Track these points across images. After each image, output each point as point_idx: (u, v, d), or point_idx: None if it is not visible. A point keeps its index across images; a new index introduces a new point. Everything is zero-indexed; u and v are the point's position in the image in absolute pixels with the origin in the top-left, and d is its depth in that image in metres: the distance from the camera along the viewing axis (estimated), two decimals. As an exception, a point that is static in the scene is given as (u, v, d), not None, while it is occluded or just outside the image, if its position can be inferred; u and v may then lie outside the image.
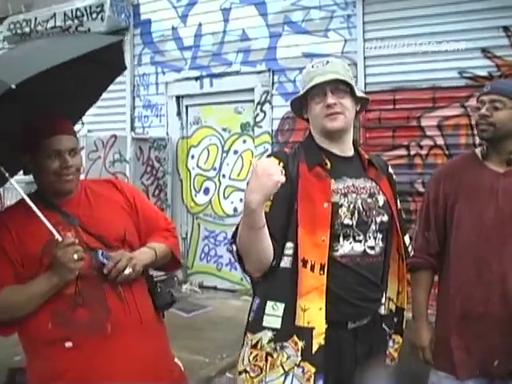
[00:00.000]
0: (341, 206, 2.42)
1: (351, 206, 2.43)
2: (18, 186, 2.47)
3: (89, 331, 2.43)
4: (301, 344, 2.32)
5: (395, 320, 2.68)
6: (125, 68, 2.95)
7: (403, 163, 7.02)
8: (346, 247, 2.41)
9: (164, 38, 8.99)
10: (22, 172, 2.70)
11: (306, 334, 2.32)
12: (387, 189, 2.60)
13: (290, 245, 2.38)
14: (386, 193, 2.57)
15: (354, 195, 2.46)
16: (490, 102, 2.81)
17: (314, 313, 2.32)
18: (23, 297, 2.40)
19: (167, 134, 8.99)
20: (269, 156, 2.53)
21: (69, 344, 2.41)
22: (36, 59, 2.33)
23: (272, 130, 8.00)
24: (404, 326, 2.71)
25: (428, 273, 3.05)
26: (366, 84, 7.27)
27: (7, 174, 2.47)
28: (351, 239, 2.42)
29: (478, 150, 3.00)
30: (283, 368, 2.33)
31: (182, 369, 2.83)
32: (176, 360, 2.82)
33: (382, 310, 2.60)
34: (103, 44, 2.54)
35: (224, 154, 8.66)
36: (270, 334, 2.37)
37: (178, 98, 8.95)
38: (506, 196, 2.81)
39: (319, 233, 2.34)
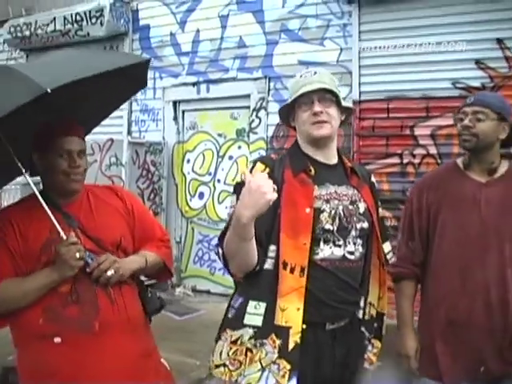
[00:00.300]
0: (322, 211, 2.49)
1: (333, 211, 2.51)
2: (32, 183, 2.57)
3: (77, 328, 2.51)
4: (278, 342, 2.40)
5: (375, 325, 2.75)
6: (145, 85, 3.02)
7: (396, 171, 7.11)
8: (326, 251, 2.48)
9: (162, 43, 9.06)
10: (20, 175, 2.78)
11: (284, 332, 2.39)
12: (368, 197, 2.68)
13: (272, 247, 2.46)
14: (367, 200, 2.64)
15: (336, 201, 2.54)
16: (472, 114, 2.85)
17: (291, 313, 2.40)
18: (21, 290, 2.49)
19: (163, 138, 9.05)
20: (256, 161, 2.60)
21: (57, 339, 2.49)
22: (71, 67, 2.44)
23: (267, 136, 8.06)
24: (384, 331, 2.78)
25: (412, 282, 3.07)
26: (360, 92, 7.34)
27: (23, 170, 2.56)
28: (331, 244, 2.49)
29: (459, 160, 3.04)
30: (261, 364, 2.41)
31: (168, 368, 2.90)
32: (162, 360, 2.89)
33: (361, 314, 2.66)
34: (134, 61, 2.74)
35: (219, 159, 8.73)
36: (251, 332, 2.44)
37: (174, 102, 9.02)
38: (488, 206, 2.86)
39: (301, 237, 2.42)
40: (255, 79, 8.16)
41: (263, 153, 7.93)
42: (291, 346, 2.38)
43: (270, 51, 8.09)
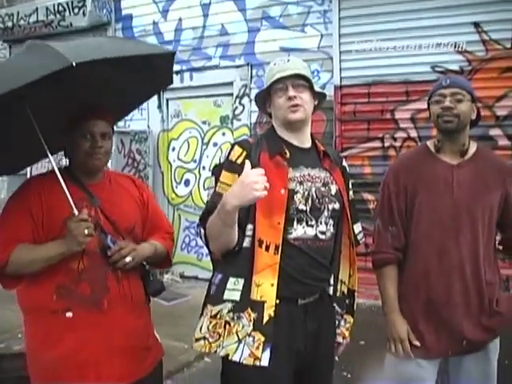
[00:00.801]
0: (296, 192, 2.60)
1: (306, 193, 2.62)
2: (53, 159, 2.67)
3: (88, 305, 2.68)
4: (253, 315, 2.51)
5: (347, 301, 2.89)
6: (171, 80, 3.11)
7: (378, 155, 7.23)
8: (299, 231, 2.59)
9: (145, 32, 9.09)
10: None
11: (259, 306, 2.51)
12: (340, 179, 2.79)
13: (250, 226, 2.56)
14: (338, 183, 2.76)
15: (309, 183, 2.65)
16: (451, 95, 2.90)
17: (266, 288, 2.52)
18: (30, 257, 2.62)
19: (148, 127, 9.11)
20: (234, 145, 2.72)
21: (69, 314, 2.66)
22: (101, 48, 2.54)
23: (250, 123, 8.15)
24: (355, 306, 2.92)
25: (395, 267, 3.09)
26: (341, 78, 7.43)
27: (46, 148, 2.63)
28: (304, 224, 2.60)
29: (429, 143, 3.09)
30: (238, 336, 2.52)
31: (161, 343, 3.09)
32: (157, 335, 3.07)
33: (331, 291, 2.79)
34: (161, 52, 2.90)
35: (204, 147, 8.81)
36: (229, 306, 2.55)
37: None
38: (460, 187, 2.93)
39: (275, 216, 2.54)
40: (238, 66, 8.23)
41: (247, 139, 7.98)
42: (265, 319, 2.49)
43: (251, 38, 8.16)
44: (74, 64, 2.16)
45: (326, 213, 2.66)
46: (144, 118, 9.12)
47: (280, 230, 2.53)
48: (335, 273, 2.81)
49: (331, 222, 2.68)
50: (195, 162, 8.90)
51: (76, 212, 2.59)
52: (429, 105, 3.08)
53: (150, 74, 2.87)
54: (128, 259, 2.74)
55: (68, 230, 2.57)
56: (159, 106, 9.04)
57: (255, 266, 2.53)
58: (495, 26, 6.59)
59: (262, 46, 8.05)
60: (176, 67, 8.69)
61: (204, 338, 2.59)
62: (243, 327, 2.52)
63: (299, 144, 2.74)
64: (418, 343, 2.96)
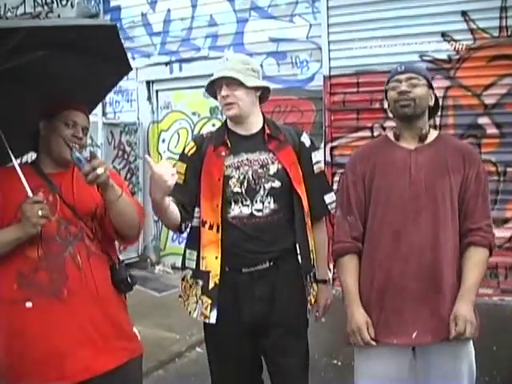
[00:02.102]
0: (231, 177, 3.03)
1: (241, 176, 3.03)
2: (9, 149, 2.65)
3: (47, 293, 2.60)
4: (201, 283, 3.05)
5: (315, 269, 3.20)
6: (129, 67, 3.17)
7: (367, 144, 7.20)
8: (236, 210, 3.03)
9: (134, 24, 9.07)
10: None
11: (205, 275, 3.03)
12: (288, 158, 3.10)
13: (197, 209, 3.09)
14: (283, 161, 3.07)
15: (246, 167, 3.05)
16: (407, 80, 2.88)
17: (211, 260, 3.03)
18: None
19: (138, 118, 9.12)
20: (192, 139, 3.28)
21: (29, 304, 2.58)
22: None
23: (240, 113, 8.08)
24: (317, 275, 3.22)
25: (355, 257, 3.05)
26: (330, 68, 7.44)
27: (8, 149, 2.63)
28: (240, 204, 3.03)
29: (389, 133, 3.07)
30: (196, 297, 3.08)
31: (139, 338, 2.97)
32: (135, 330, 2.96)
33: (300, 259, 3.08)
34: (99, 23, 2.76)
35: (194, 138, 8.76)
36: (190, 272, 3.13)
37: (148, 83, 9.08)
38: (417, 170, 2.88)
39: (215, 200, 3.01)
40: (227, 57, 8.18)
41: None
42: (211, 286, 3.01)
43: (240, 29, 8.16)
44: None
45: (261, 192, 3.03)
46: (134, 110, 9.14)
47: (218, 211, 3.00)
48: (303, 242, 3.11)
49: (269, 199, 3.04)
50: (185, 153, 8.82)
51: (30, 194, 2.56)
52: (386, 93, 3.04)
53: (104, 66, 2.84)
54: (99, 170, 2.54)
55: (22, 212, 2.54)
56: (149, 98, 9.04)
57: (201, 242, 3.05)
58: (482, 15, 6.61)
59: (251, 37, 8.05)
60: (165, 58, 8.76)
61: (180, 296, 3.19)
62: (197, 292, 3.07)
63: (243, 132, 3.12)
64: (372, 333, 2.90)
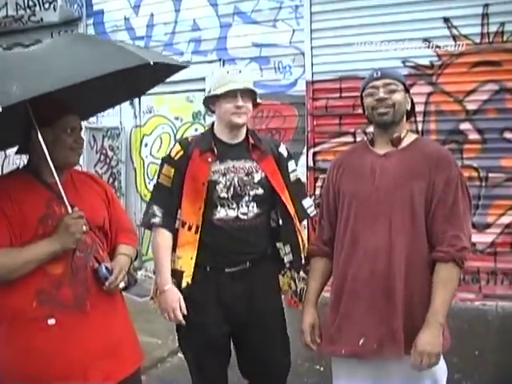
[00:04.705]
0: (218, 183, 3.21)
1: (228, 182, 3.22)
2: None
3: (71, 309, 2.60)
4: (173, 280, 3.20)
5: (307, 268, 3.34)
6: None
7: (350, 150, 7.20)
8: (222, 213, 3.21)
9: (117, 28, 9.02)
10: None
11: (178, 275, 3.21)
12: (269, 167, 3.32)
13: (179, 211, 3.23)
14: (266, 170, 3.30)
15: (232, 174, 3.24)
16: (384, 86, 2.86)
17: (185, 260, 3.20)
18: (21, 259, 2.51)
19: (120, 123, 9.05)
20: (176, 142, 3.41)
21: (52, 321, 2.57)
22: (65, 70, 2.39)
23: (223, 119, 8.08)
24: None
25: (322, 260, 3.11)
26: (313, 73, 7.44)
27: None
28: (226, 207, 3.21)
29: (367, 138, 3.10)
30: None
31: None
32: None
33: (289, 258, 3.36)
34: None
35: (177, 143, 8.74)
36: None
37: (130, 87, 8.98)
38: (382, 175, 2.85)
39: (197, 203, 3.17)
40: (210, 62, 8.18)
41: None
42: (184, 285, 3.19)
43: (223, 34, 8.13)
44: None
45: (246, 198, 3.24)
46: (116, 114, 9.02)
47: (200, 214, 3.17)
48: (294, 243, 3.35)
49: (253, 204, 3.25)
50: (168, 157, 8.80)
51: (70, 209, 2.57)
52: (362, 99, 3.04)
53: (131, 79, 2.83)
54: (121, 286, 2.80)
55: (65, 226, 2.53)
56: (131, 102, 8.96)
57: (178, 242, 3.23)
58: (465, 21, 6.63)
59: (234, 42, 8.03)
60: (148, 63, 8.68)
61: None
62: None
63: (229, 140, 3.32)
64: (317, 339, 3.00)
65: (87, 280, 2.67)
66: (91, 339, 2.64)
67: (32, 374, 2.54)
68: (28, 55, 2.54)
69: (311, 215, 3.50)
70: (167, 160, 3.31)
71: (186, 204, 3.18)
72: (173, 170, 3.26)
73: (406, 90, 2.95)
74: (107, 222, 2.94)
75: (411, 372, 2.73)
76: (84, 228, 2.56)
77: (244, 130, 3.36)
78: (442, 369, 2.87)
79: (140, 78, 2.85)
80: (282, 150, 3.46)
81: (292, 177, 3.43)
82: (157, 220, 3.25)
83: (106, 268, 2.72)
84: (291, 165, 3.47)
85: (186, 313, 3.14)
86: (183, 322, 3.14)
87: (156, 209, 3.26)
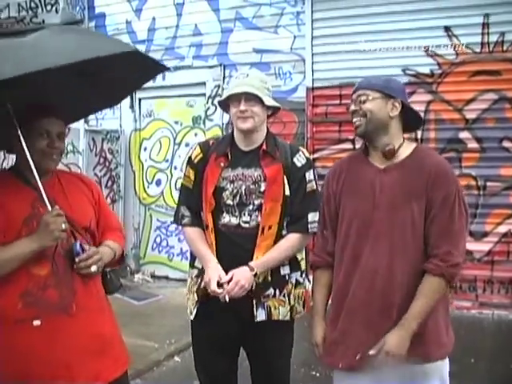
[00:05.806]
0: (225, 190, 3.23)
1: (235, 190, 3.22)
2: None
3: (57, 310, 2.57)
4: (199, 281, 3.24)
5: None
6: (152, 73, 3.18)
7: (349, 156, 7.22)
8: (226, 219, 3.23)
9: (118, 31, 9.04)
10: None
11: (202, 274, 3.20)
12: (271, 174, 3.20)
13: (202, 213, 3.28)
14: (267, 176, 3.20)
15: (240, 182, 3.23)
16: (356, 98, 2.82)
17: None
18: (0, 258, 2.49)
19: (120, 126, 9.09)
20: (198, 144, 3.42)
21: (37, 322, 2.53)
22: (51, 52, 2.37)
23: (222, 123, 8.17)
24: (301, 280, 3.39)
25: (327, 272, 3.05)
26: (313, 79, 7.49)
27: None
28: (230, 214, 3.23)
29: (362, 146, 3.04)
30: (192, 294, 3.30)
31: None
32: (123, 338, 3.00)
33: (286, 269, 3.30)
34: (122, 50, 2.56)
35: (176, 147, 8.82)
36: (196, 271, 3.32)
37: (131, 90, 9.00)
38: (382, 193, 2.80)
39: (208, 208, 3.22)
40: (210, 67, 8.24)
41: (219, 140, 8.04)
42: (203, 284, 3.19)
43: (224, 39, 8.18)
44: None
45: (250, 207, 3.21)
46: (116, 117, 9.09)
47: (211, 218, 3.22)
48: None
49: (256, 213, 3.21)
50: (167, 161, 8.90)
51: (50, 207, 2.53)
52: None
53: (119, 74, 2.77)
54: (93, 269, 2.66)
55: (44, 224, 2.49)
56: (131, 106, 9.01)
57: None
58: (465, 31, 6.70)
59: (235, 47, 8.08)
60: (149, 66, 8.70)
61: (187, 294, 3.39)
62: (192, 287, 3.32)
63: (244, 147, 3.28)
64: (321, 351, 2.98)
65: (73, 281, 2.65)
66: (77, 340, 2.62)
67: (17, 374, 2.53)
68: (18, 43, 2.53)
69: (309, 231, 3.26)
70: (189, 162, 3.39)
71: (205, 208, 3.25)
72: (193, 173, 3.33)
73: (389, 97, 2.82)
74: (94, 222, 2.90)
75: (418, 373, 2.77)
76: (63, 226, 2.51)
77: (260, 136, 3.27)
78: (447, 368, 2.89)
79: (126, 77, 2.82)
80: (298, 158, 3.28)
81: (308, 187, 3.27)
82: (186, 220, 3.35)
83: (81, 246, 2.66)
84: (309, 175, 3.29)
85: (225, 287, 3.09)
86: (219, 292, 3.06)
87: (184, 209, 3.37)
